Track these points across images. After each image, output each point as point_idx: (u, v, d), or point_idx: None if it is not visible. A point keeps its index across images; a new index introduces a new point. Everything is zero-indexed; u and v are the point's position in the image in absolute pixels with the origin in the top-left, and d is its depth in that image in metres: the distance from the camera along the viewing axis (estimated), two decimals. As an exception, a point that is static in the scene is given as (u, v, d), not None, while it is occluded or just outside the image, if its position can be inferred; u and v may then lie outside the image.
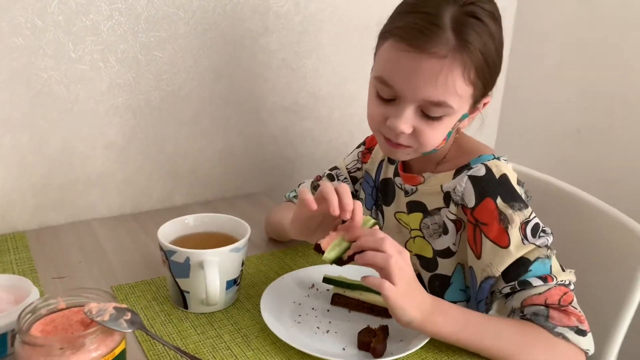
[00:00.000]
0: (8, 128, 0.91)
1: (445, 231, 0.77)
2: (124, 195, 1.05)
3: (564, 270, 0.70)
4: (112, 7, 0.94)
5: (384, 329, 0.67)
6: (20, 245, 0.88)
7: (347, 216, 0.66)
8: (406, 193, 0.83)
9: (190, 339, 0.66)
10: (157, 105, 1.03)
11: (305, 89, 1.20)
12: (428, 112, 0.69)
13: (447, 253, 0.78)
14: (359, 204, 0.67)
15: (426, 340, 0.65)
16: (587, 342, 0.66)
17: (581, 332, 0.66)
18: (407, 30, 0.67)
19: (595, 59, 1.32)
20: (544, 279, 0.68)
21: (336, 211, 0.65)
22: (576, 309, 0.67)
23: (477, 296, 0.73)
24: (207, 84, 1.07)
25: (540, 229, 0.71)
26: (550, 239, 0.71)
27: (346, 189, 0.67)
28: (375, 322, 0.71)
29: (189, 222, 0.79)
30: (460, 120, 0.73)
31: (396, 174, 0.86)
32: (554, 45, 1.41)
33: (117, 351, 0.54)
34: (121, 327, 0.54)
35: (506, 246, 0.69)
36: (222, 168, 1.15)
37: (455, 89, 0.67)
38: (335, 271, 0.78)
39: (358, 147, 0.98)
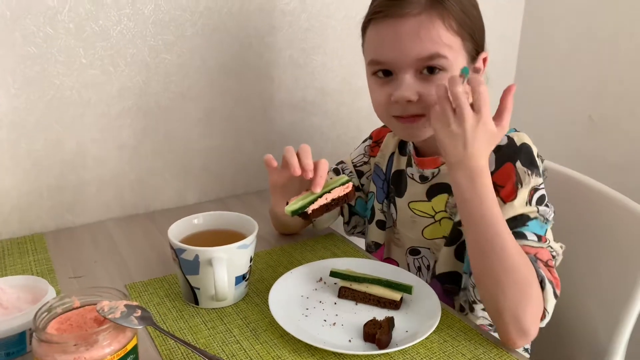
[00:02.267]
0: (23, 133, 0.94)
1: None
2: (137, 195, 1.08)
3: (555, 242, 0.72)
4: (121, 12, 0.96)
5: (390, 321, 0.68)
6: (39, 247, 0.92)
7: (308, 175, 0.70)
8: (425, 179, 0.84)
9: (201, 334, 0.69)
10: (166, 106, 1.05)
11: (312, 85, 1.21)
12: (426, 71, 0.72)
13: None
14: (323, 162, 0.72)
15: (431, 331, 0.66)
16: (551, 307, 0.67)
17: (555, 294, 0.67)
18: (381, 6, 0.72)
19: (607, 45, 1.30)
20: (539, 237, 0.70)
21: (297, 171, 0.70)
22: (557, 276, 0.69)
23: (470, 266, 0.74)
24: (215, 84, 1.09)
25: (545, 202, 0.73)
26: (551, 215, 0.72)
27: (306, 150, 0.72)
28: (381, 314, 0.72)
29: (198, 221, 0.81)
30: (463, 77, 0.73)
31: (409, 164, 0.87)
32: (564, 32, 1.40)
33: (129, 347, 0.56)
34: (132, 324, 0.56)
35: (511, 200, 0.71)
36: (232, 166, 1.17)
37: (442, 39, 0.71)
38: (342, 265, 0.79)
39: (364, 141, 1.00)
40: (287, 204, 0.69)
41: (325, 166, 0.71)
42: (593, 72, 1.34)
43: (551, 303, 0.66)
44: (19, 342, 0.61)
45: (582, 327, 0.90)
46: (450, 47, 0.71)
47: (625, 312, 0.82)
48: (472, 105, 0.64)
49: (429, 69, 0.72)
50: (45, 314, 0.56)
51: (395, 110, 0.76)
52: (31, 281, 0.67)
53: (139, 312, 0.58)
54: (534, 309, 0.65)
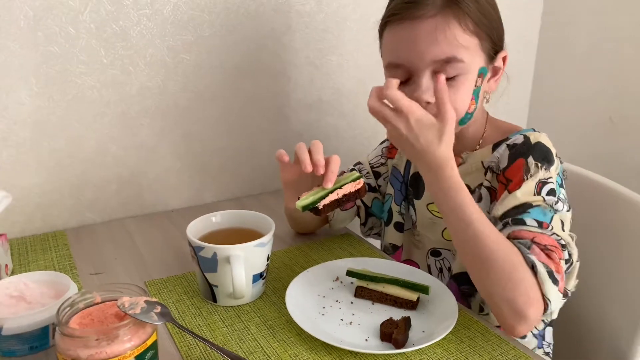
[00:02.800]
0: (46, 132, 0.96)
1: (479, 199, 0.78)
2: (155, 193, 1.09)
3: (564, 232, 0.70)
4: (140, 12, 0.97)
5: (406, 321, 0.68)
6: (61, 243, 0.93)
7: (320, 171, 0.71)
8: None
9: (219, 331, 0.69)
10: (184, 106, 1.07)
11: (328, 85, 1.21)
12: (443, 74, 0.71)
13: None
14: (335, 158, 0.72)
15: (448, 331, 0.66)
16: (553, 293, 0.64)
17: (553, 278, 0.65)
18: (397, 9, 0.73)
19: (626, 45, 1.29)
20: (540, 223, 0.68)
21: (308, 168, 0.70)
22: (560, 261, 0.67)
23: None
24: (232, 84, 1.10)
25: (558, 195, 0.71)
26: (562, 206, 0.70)
27: (318, 146, 0.72)
28: (397, 313, 0.72)
29: (217, 219, 0.81)
30: (481, 76, 0.74)
31: None
32: (583, 33, 1.38)
33: (149, 342, 0.57)
34: (152, 320, 0.56)
35: (515, 191, 0.71)
36: (249, 165, 1.18)
37: (458, 40, 0.70)
38: (358, 265, 0.80)
39: (382, 142, 0.99)
40: (299, 199, 0.70)
41: (336, 162, 0.72)
42: (613, 73, 1.32)
43: (551, 290, 0.64)
44: (42, 336, 0.62)
45: (603, 330, 0.89)
46: (467, 48, 0.71)
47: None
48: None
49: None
50: (68, 308, 0.57)
51: None
52: (54, 277, 0.68)
53: (158, 309, 0.58)
54: (524, 292, 0.63)
